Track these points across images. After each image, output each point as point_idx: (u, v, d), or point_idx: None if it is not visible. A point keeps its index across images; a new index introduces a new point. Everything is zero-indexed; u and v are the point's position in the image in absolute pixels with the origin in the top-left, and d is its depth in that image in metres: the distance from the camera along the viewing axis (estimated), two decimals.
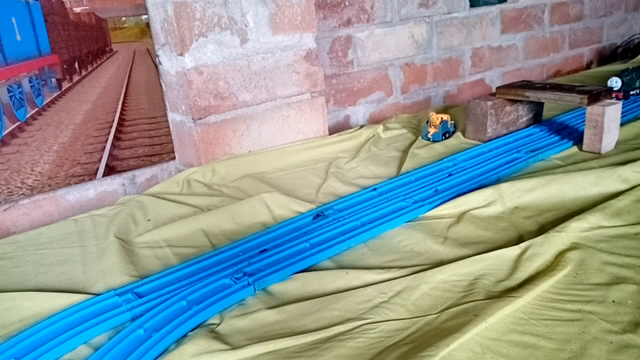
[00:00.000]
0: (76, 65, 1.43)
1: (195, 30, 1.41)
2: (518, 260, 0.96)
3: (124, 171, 1.53)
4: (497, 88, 1.68)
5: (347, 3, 1.92)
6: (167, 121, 1.59)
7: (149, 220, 1.27)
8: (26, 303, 0.95)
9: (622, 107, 1.52)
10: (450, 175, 1.37)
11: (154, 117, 1.57)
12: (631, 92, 1.97)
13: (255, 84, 1.56)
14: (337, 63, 1.95)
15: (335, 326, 0.82)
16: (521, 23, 2.53)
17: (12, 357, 0.80)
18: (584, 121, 1.49)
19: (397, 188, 1.32)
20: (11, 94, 1.31)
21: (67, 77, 1.42)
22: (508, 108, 1.66)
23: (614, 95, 1.66)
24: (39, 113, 1.38)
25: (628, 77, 1.96)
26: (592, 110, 1.45)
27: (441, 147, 1.62)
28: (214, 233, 1.18)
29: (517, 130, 1.68)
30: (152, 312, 0.88)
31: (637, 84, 1.97)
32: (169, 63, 1.48)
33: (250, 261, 1.01)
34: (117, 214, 1.30)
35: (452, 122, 1.73)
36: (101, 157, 1.49)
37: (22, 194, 1.37)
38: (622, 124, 1.53)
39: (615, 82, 1.93)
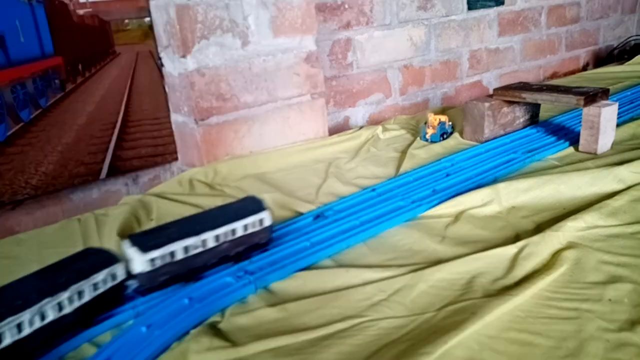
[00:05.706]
0: (80, 66, 1.44)
1: (197, 32, 1.43)
2: (515, 259, 0.97)
3: (127, 171, 1.54)
4: (495, 89, 1.69)
5: (347, 6, 1.93)
6: (169, 122, 1.60)
7: (152, 219, 1.28)
8: None
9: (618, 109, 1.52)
10: (448, 175, 1.38)
11: (157, 118, 1.58)
12: None
13: (256, 85, 1.57)
14: (336, 65, 1.96)
15: (335, 324, 0.83)
16: (518, 25, 2.55)
17: None
18: (580, 122, 1.50)
19: (396, 188, 1.33)
20: (15, 94, 1.33)
21: (71, 78, 1.43)
22: (505, 109, 1.67)
23: None
24: (42, 114, 1.39)
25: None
26: (588, 111, 1.46)
27: (439, 148, 1.63)
28: None
29: (514, 131, 1.69)
30: (154, 309, 0.89)
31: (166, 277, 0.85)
32: (171, 65, 1.49)
33: (252, 260, 1.03)
34: (121, 213, 1.31)
35: (450, 123, 1.74)
36: (105, 158, 1.50)
37: (26, 193, 1.38)
38: (618, 125, 1.55)
39: None
